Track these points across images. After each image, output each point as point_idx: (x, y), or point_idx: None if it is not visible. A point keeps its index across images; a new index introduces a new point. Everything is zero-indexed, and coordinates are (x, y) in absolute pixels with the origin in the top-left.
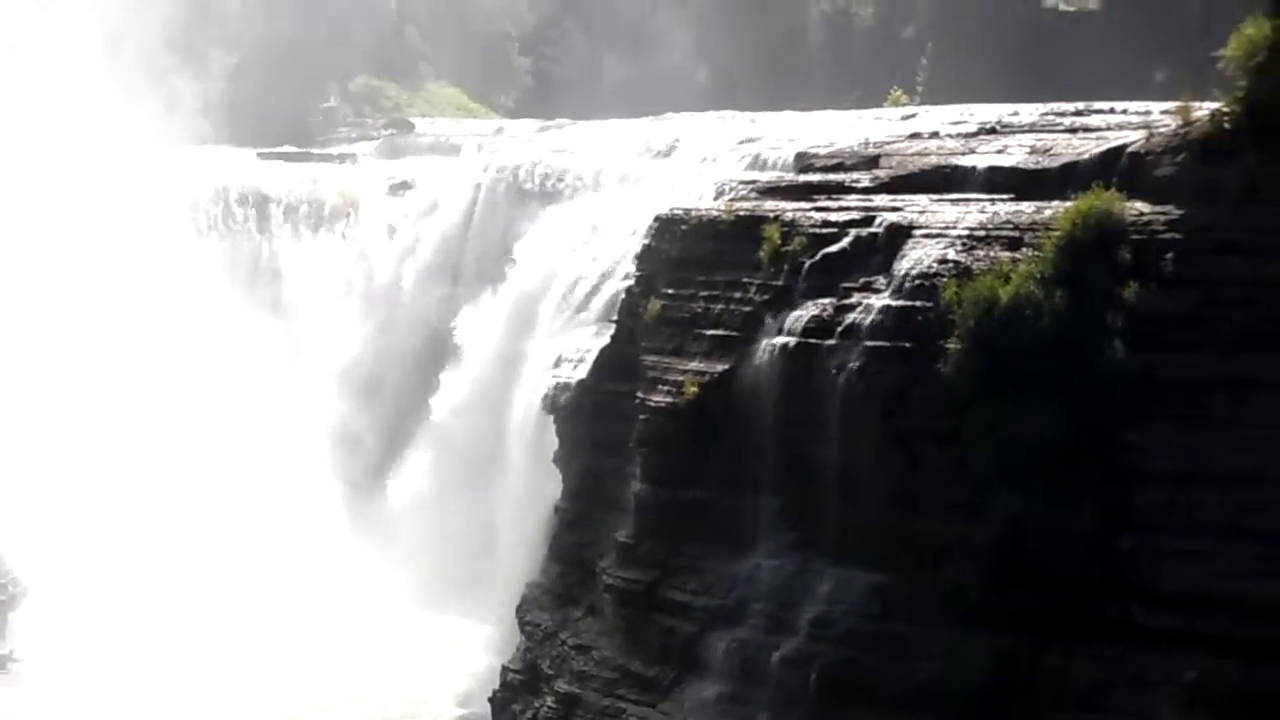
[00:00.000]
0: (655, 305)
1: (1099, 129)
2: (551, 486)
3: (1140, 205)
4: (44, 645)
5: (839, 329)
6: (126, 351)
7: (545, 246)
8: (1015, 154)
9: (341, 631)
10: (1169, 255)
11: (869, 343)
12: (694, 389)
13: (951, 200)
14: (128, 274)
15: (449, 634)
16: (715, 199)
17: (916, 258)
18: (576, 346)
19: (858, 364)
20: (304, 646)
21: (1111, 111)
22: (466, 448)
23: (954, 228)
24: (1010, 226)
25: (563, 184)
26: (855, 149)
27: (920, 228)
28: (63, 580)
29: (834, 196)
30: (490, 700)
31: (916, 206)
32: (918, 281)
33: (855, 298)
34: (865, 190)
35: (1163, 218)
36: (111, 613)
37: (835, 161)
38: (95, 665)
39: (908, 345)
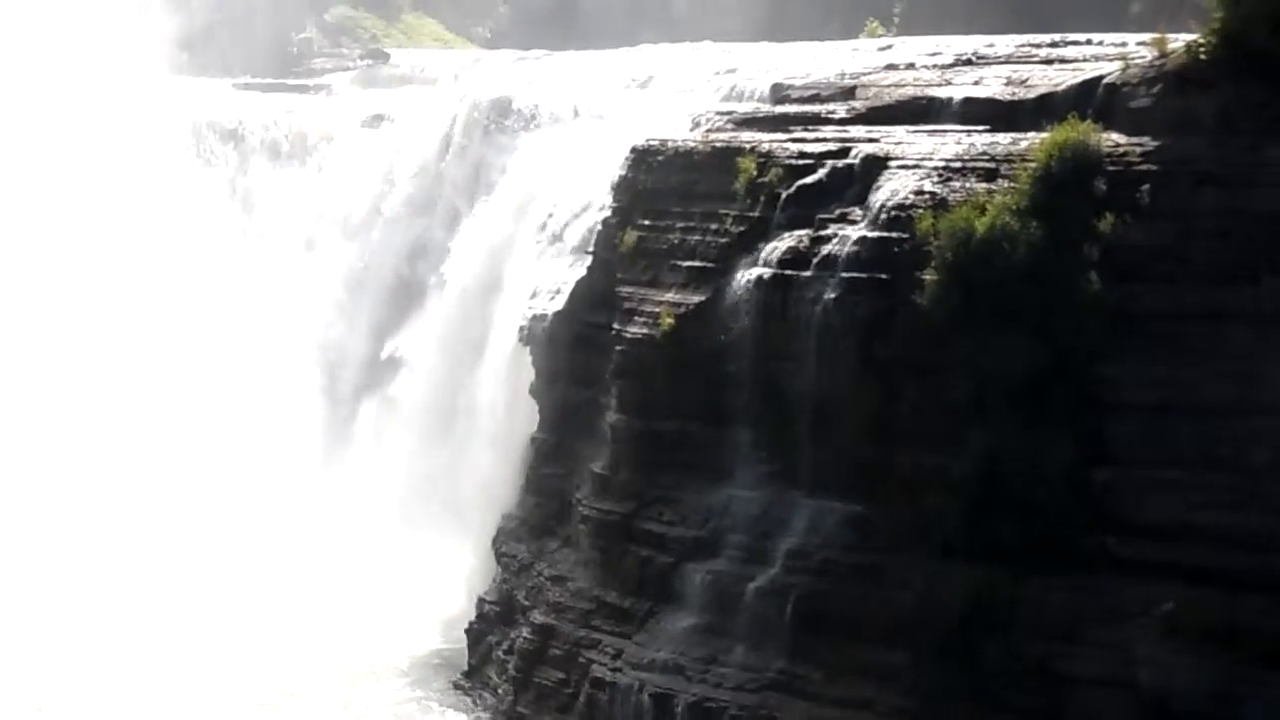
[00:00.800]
0: (631, 236)
1: (1075, 60)
2: (527, 418)
3: (1116, 137)
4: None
5: (815, 260)
6: (103, 277)
7: (521, 178)
8: (991, 85)
9: (318, 566)
10: (1145, 187)
11: (845, 274)
12: (670, 320)
13: (928, 132)
14: (102, 204)
15: (425, 566)
16: (691, 130)
17: (892, 189)
18: (553, 278)
19: (834, 295)
20: (281, 580)
21: (1088, 43)
22: (442, 379)
23: (930, 159)
24: (986, 158)
25: (539, 115)
26: (832, 80)
27: (896, 159)
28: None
29: (810, 128)
30: (466, 631)
31: (893, 138)
32: (894, 213)
33: (831, 229)
34: (841, 122)
35: (1139, 149)
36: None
37: (811, 93)
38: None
39: (884, 277)
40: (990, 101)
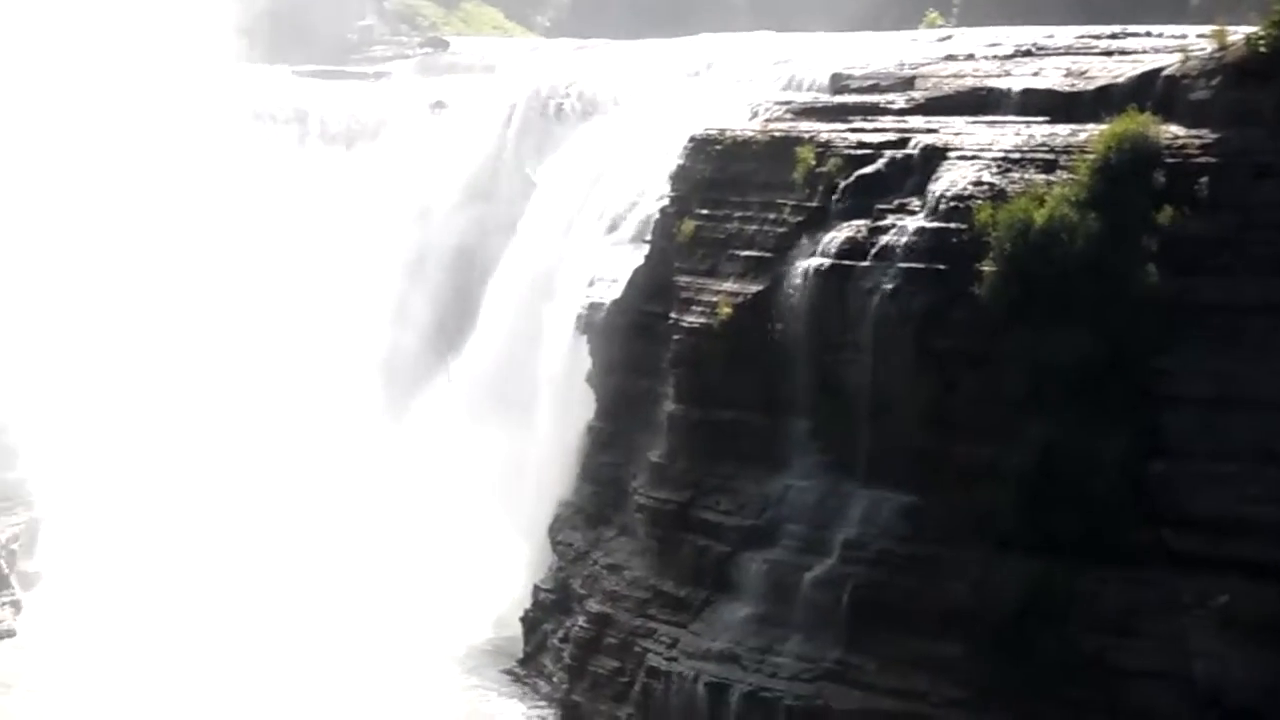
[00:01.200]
0: (689, 225)
1: (1134, 52)
2: (585, 406)
3: (1175, 129)
4: (69, 557)
5: (873, 250)
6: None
7: (580, 166)
8: (1050, 76)
9: (376, 553)
10: (1204, 179)
11: (903, 264)
12: (728, 310)
13: (987, 122)
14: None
15: (483, 553)
16: (750, 119)
17: (951, 180)
18: (611, 266)
19: (892, 286)
20: (340, 566)
21: (1147, 35)
22: (500, 367)
23: (989, 150)
24: (1045, 149)
25: (598, 103)
26: (891, 70)
27: (955, 149)
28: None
29: (869, 118)
30: (522, 620)
31: (951, 128)
32: (952, 203)
33: (890, 219)
34: (900, 112)
35: (1198, 141)
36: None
37: (870, 83)
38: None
39: (942, 267)
40: (1049, 93)
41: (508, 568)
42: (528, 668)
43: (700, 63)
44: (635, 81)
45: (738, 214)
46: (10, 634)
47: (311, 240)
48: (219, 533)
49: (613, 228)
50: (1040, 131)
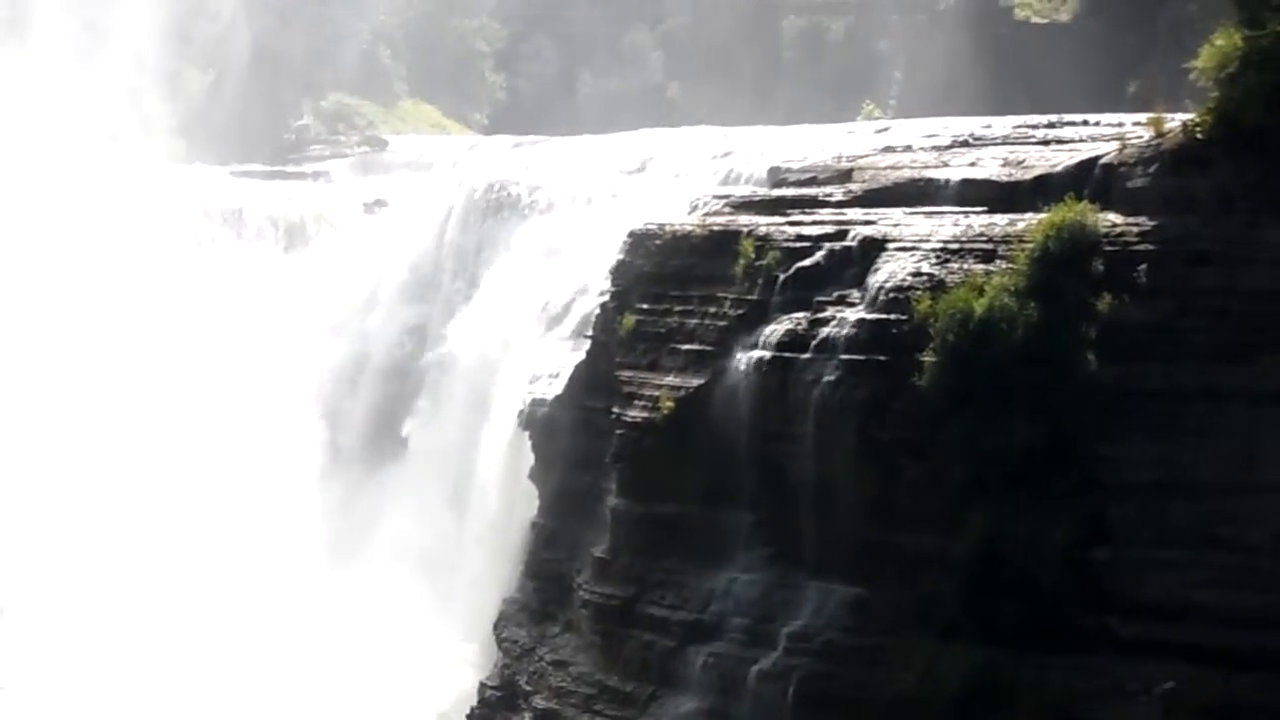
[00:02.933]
0: (630, 320)
1: (1071, 141)
2: (527, 502)
3: (1113, 216)
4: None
5: (814, 343)
6: (105, 361)
7: (519, 263)
8: (988, 167)
9: (318, 650)
10: (1142, 266)
11: (844, 356)
12: (670, 404)
13: (925, 213)
14: (100, 291)
15: (428, 651)
16: (689, 214)
17: (890, 271)
18: (552, 362)
19: (833, 377)
20: (280, 662)
21: (1084, 123)
22: (440, 465)
23: (927, 240)
24: (984, 239)
25: (536, 201)
26: (828, 163)
27: (894, 241)
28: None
29: (807, 210)
30: (468, 717)
31: (890, 220)
32: (892, 295)
33: (829, 311)
34: (839, 204)
35: (1136, 229)
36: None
37: (808, 176)
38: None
39: (883, 358)
40: (987, 183)
41: (453, 665)
42: None
43: (638, 158)
44: (574, 178)
45: (678, 308)
46: None
47: (249, 342)
48: (159, 632)
49: (554, 323)
50: (978, 222)
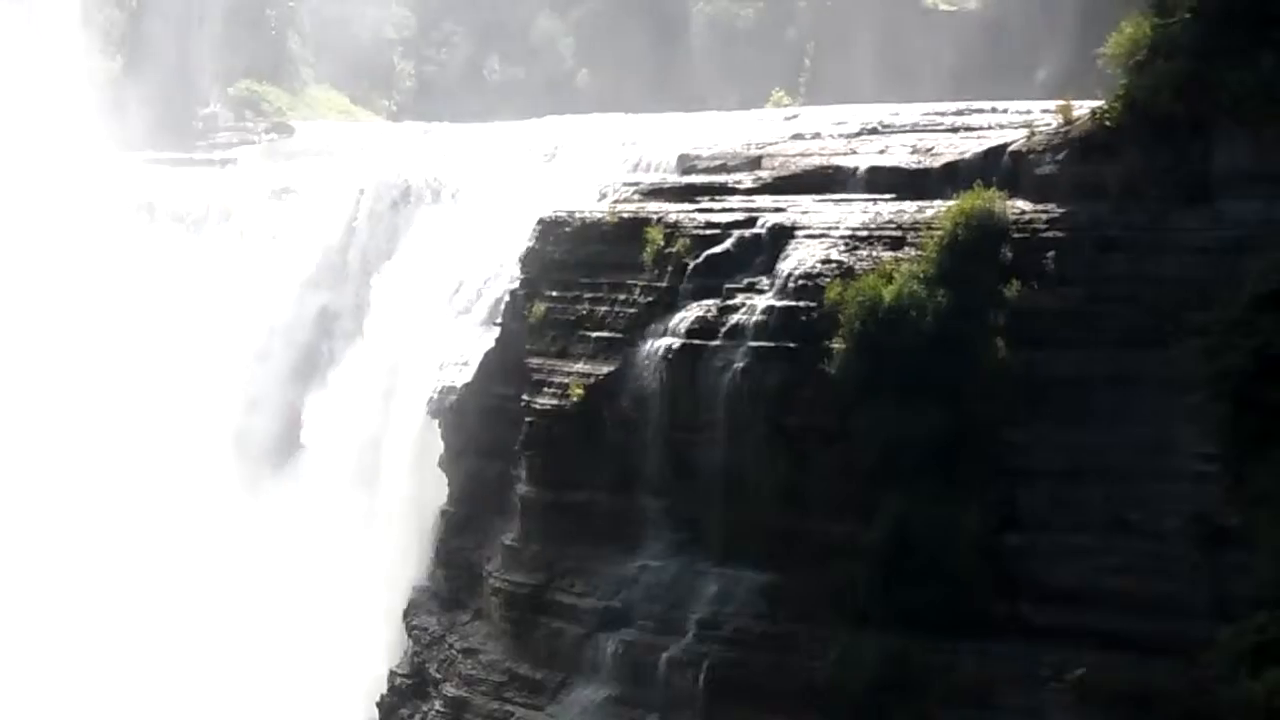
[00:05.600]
0: (540, 308)
1: (980, 128)
2: (437, 490)
3: (1022, 204)
4: None
5: (723, 330)
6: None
7: (427, 250)
8: (897, 154)
9: (232, 641)
10: (1051, 253)
11: (753, 343)
12: (579, 391)
13: (834, 200)
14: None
15: (340, 639)
16: (598, 201)
17: (800, 258)
18: (461, 350)
19: (742, 364)
20: (196, 653)
21: (993, 111)
22: (349, 452)
23: (836, 228)
24: (893, 226)
25: (444, 187)
26: (738, 150)
27: (803, 228)
28: None
29: (717, 198)
30: (378, 705)
31: (799, 207)
32: (801, 282)
33: (739, 298)
34: (748, 191)
35: (1044, 216)
36: None
37: (718, 163)
38: None
39: (792, 345)
40: (896, 170)
41: (363, 653)
42: None
43: (548, 145)
44: (483, 165)
45: (588, 295)
46: None
47: (160, 326)
48: (70, 621)
49: (463, 311)
50: (888, 209)
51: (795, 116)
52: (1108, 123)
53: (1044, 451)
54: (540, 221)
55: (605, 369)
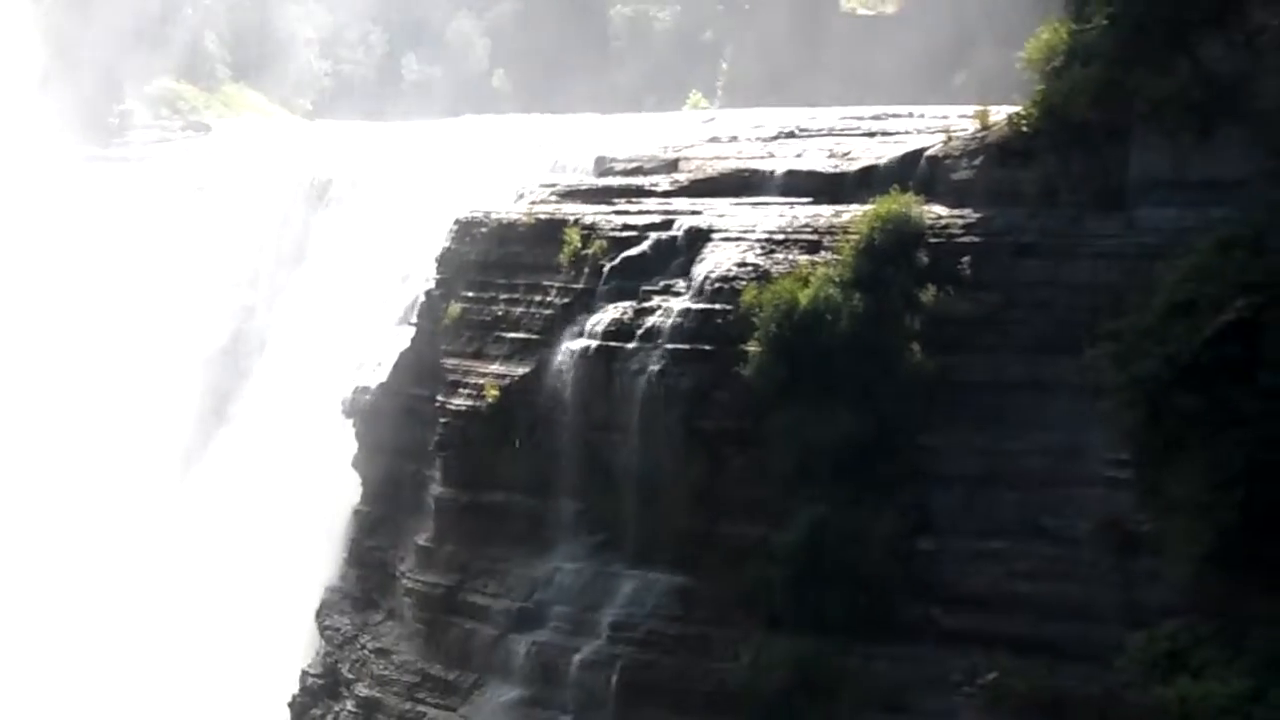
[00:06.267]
0: (455, 308)
1: (897, 133)
2: (351, 490)
3: (938, 208)
4: None
5: (639, 332)
6: None
7: (344, 249)
8: (814, 158)
9: (145, 639)
10: (967, 258)
11: (669, 345)
12: (495, 392)
13: (750, 204)
14: None
15: (252, 638)
16: (515, 202)
17: (716, 261)
18: (376, 349)
19: (658, 367)
20: (111, 651)
21: (910, 115)
22: (266, 452)
23: (753, 231)
24: (809, 230)
25: (360, 187)
26: (655, 153)
27: (719, 231)
28: None
29: (633, 200)
30: (289, 705)
31: (716, 210)
32: (717, 285)
33: (655, 301)
34: (665, 194)
35: (960, 221)
36: None
37: (635, 165)
38: None
39: (708, 348)
40: (813, 174)
41: (275, 652)
42: None
43: (464, 145)
44: (399, 165)
45: (504, 296)
46: None
47: (74, 324)
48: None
49: (378, 310)
50: (804, 212)
51: (712, 119)
52: (1025, 128)
53: (958, 456)
54: (457, 222)
55: (521, 370)
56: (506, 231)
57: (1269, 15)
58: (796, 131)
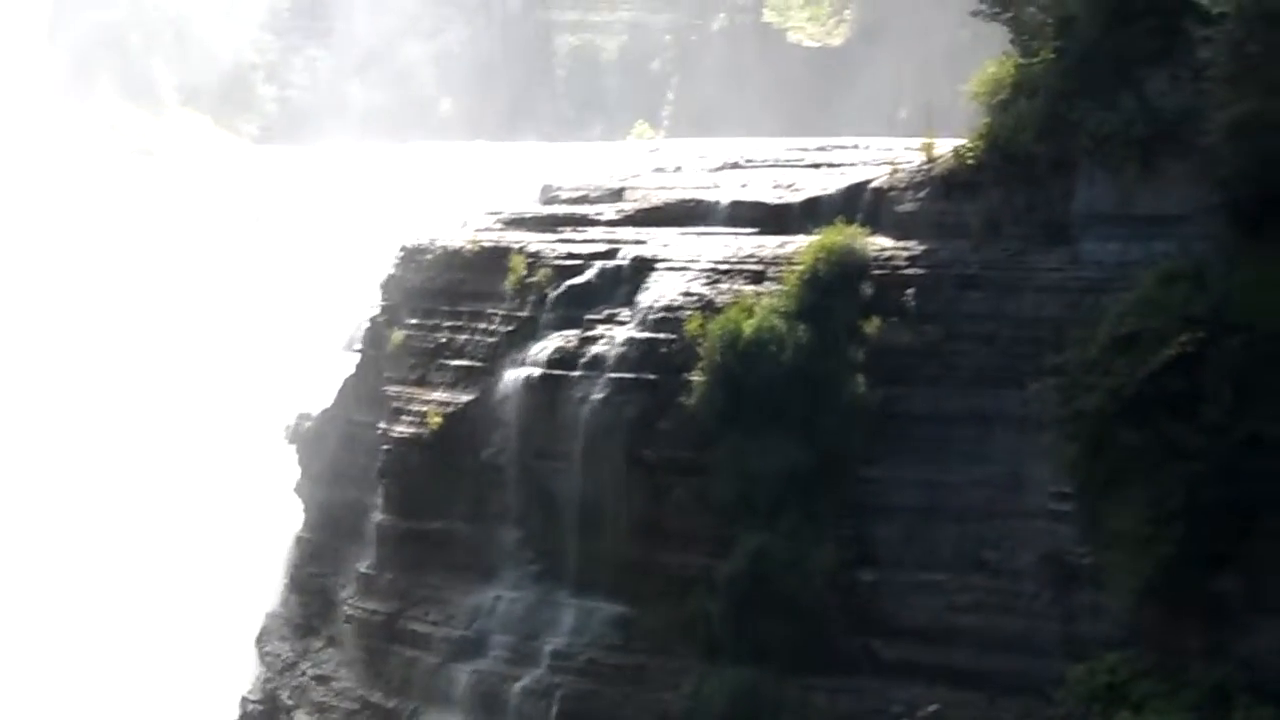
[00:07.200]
0: (399, 335)
1: (843, 164)
2: (293, 516)
3: (883, 240)
4: None
5: (583, 360)
6: None
7: (288, 275)
8: (759, 188)
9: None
10: (910, 290)
11: (613, 374)
12: (438, 420)
13: (696, 234)
14: None
15: (193, 665)
16: (460, 229)
17: (660, 290)
18: (320, 376)
19: (602, 395)
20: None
21: (855, 147)
22: (208, 478)
23: (697, 261)
24: (754, 260)
25: (306, 211)
26: (600, 182)
27: (664, 261)
28: None
29: (579, 229)
30: None
31: (660, 240)
32: (661, 314)
33: (599, 329)
34: (610, 223)
35: (905, 253)
36: None
37: (580, 194)
38: None
39: (652, 377)
40: (758, 205)
41: (215, 678)
42: None
43: (412, 171)
44: (345, 189)
45: (448, 324)
46: None
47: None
48: None
49: (323, 336)
50: (749, 243)
51: (658, 149)
52: (970, 161)
53: (900, 488)
54: (403, 249)
55: (464, 398)
56: (451, 259)
57: (1213, 51)
58: (742, 162)
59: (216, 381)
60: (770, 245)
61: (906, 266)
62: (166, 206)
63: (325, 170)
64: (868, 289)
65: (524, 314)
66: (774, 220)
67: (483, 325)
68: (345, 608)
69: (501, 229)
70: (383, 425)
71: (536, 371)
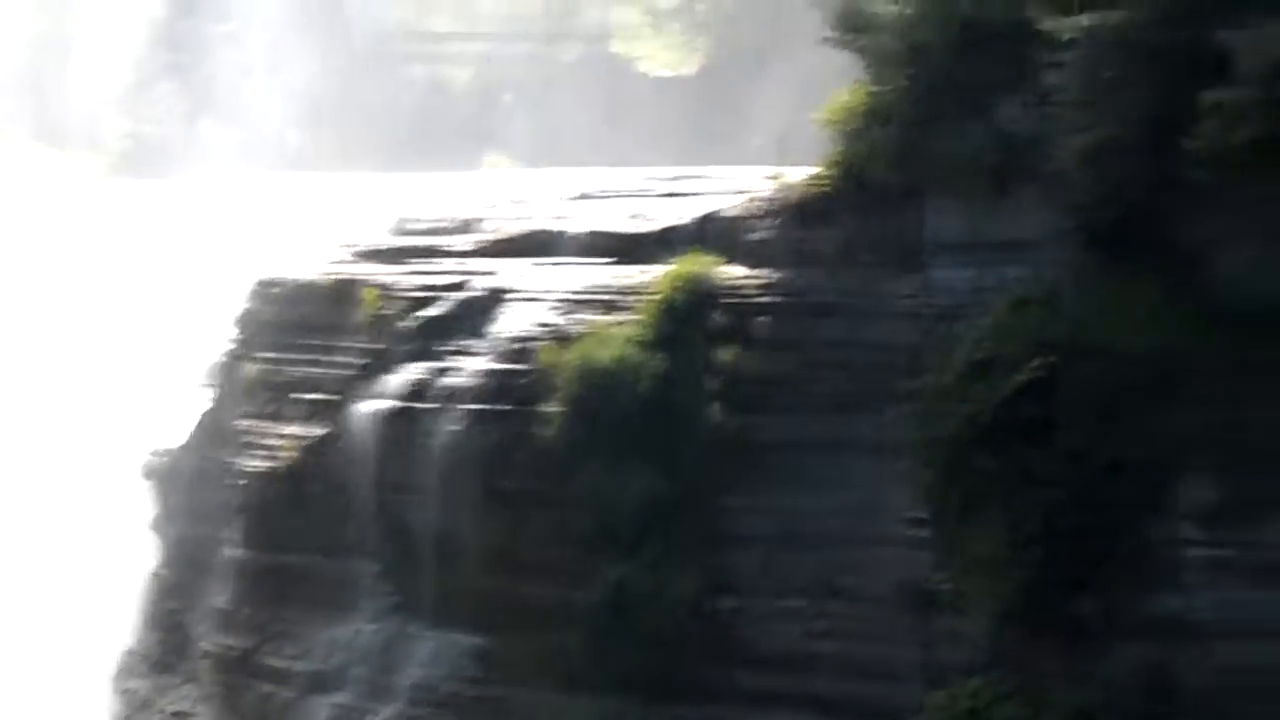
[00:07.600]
0: (253, 369)
1: (697, 193)
2: (148, 553)
3: (738, 269)
4: None
5: (436, 392)
6: None
7: (144, 309)
8: (613, 219)
9: None
10: (765, 318)
11: (467, 406)
12: (291, 453)
13: (549, 264)
14: None
15: (47, 705)
16: (312, 262)
17: (513, 321)
18: (177, 412)
19: (456, 427)
20: None
21: (709, 177)
22: (62, 514)
23: (551, 291)
24: (608, 290)
25: (158, 245)
26: (454, 213)
27: (516, 291)
28: None
29: (432, 260)
30: None
31: (513, 270)
32: (515, 345)
33: (452, 361)
34: (462, 254)
35: (758, 281)
36: None
37: (432, 225)
38: None
39: (507, 408)
40: (612, 234)
41: (71, 716)
42: None
43: (260, 202)
44: (197, 223)
45: (301, 357)
46: None
47: None
48: None
49: (178, 371)
50: (603, 273)
51: (511, 180)
52: (823, 189)
53: (757, 516)
54: (257, 282)
55: (317, 431)
56: (304, 292)
57: (1062, 76)
58: (595, 192)
59: (72, 418)
60: (624, 275)
61: (761, 295)
62: (11, 241)
63: (180, 203)
64: (722, 318)
65: (378, 346)
66: (628, 250)
67: (337, 358)
68: (201, 643)
69: (354, 261)
70: (237, 460)
71: (390, 404)
